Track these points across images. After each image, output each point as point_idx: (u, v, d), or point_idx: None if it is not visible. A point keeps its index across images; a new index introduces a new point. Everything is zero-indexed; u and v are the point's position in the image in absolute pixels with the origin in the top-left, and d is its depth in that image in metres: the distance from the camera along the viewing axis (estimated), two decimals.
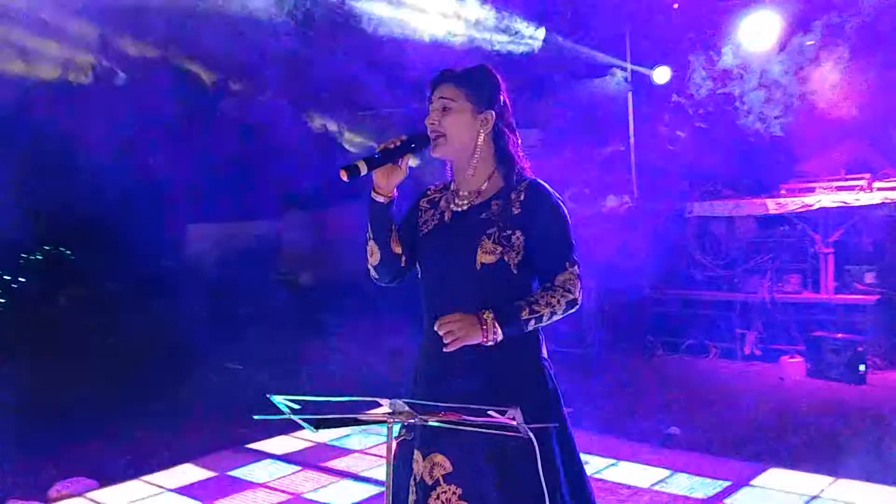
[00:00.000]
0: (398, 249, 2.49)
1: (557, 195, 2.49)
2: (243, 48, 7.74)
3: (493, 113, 2.49)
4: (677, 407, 6.40)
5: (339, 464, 5.49)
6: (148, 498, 5.05)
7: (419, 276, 2.56)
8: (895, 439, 5.43)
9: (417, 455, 2.37)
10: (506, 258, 2.38)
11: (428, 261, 2.51)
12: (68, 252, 11.01)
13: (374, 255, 2.49)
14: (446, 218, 2.53)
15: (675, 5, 7.36)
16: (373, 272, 2.55)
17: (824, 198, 7.32)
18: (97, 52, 7.42)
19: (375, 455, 5.61)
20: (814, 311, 7.55)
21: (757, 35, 7.51)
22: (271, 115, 9.16)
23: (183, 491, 5.13)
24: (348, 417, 1.91)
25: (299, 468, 5.44)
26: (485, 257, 2.38)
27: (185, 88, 8.37)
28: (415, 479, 2.37)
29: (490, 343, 2.30)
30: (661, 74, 8.37)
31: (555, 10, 8.31)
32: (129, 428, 6.22)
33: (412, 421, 1.87)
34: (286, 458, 5.65)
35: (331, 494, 4.95)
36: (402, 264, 2.52)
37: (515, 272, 2.40)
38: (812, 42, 7.45)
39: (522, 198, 2.44)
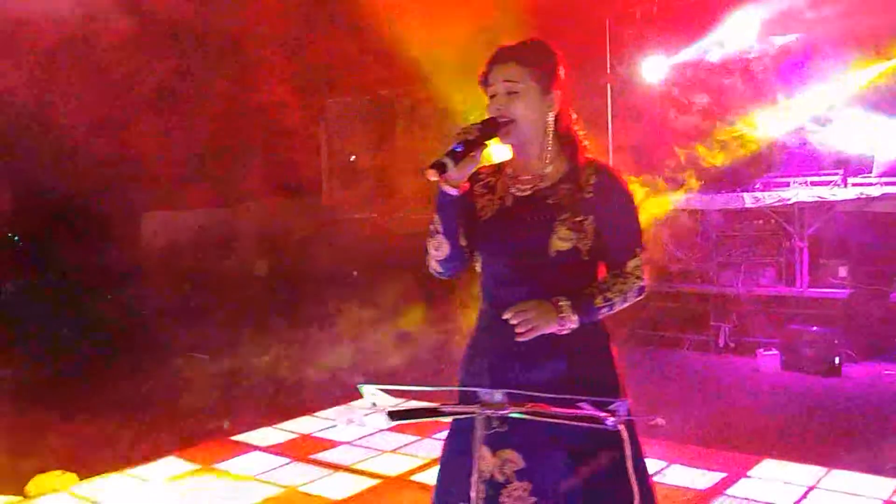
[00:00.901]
0: (464, 242, 2.40)
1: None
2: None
3: (559, 93, 2.40)
4: (656, 399, 6.42)
5: (329, 456, 5.38)
6: (133, 492, 4.89)
7: (479, 263, 2.46)
8: (876, 430, 5.55)
9: (484, 451, 2.26)
10: (579, 245, 2.32)
11: (492, 248, 2.41)
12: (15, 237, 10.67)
13: (441, 249, 2.38)
14: (508, 203, 2.43)
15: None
16: (436, 266, 2.45)
17: (800, 192, 7.41)
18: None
19: (365, 447, 5.53)
20: (788, 304, 7.65)
21: (739, 31, 7.56)
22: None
23: (169, 483, 4.98)
24: (429, 408, 1.82)
25: (288, 460, 5.33)
26: (559, 244, 2.30)
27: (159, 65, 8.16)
28: (481, 476, 2.24)
29: (565, 332, 2.23)
30: (646, 68, 8.39)
31: None
32: (105, 420, 6.04)
33: (503, 413, 1.79)
34: (273, 451, 5.53)
35: (325, 487, 4.85)
36: (468, 256, 2.43)
37: (586, 258, 2.34)
38: (795, 38, 7.55)
39: (593, 181, 2.36)
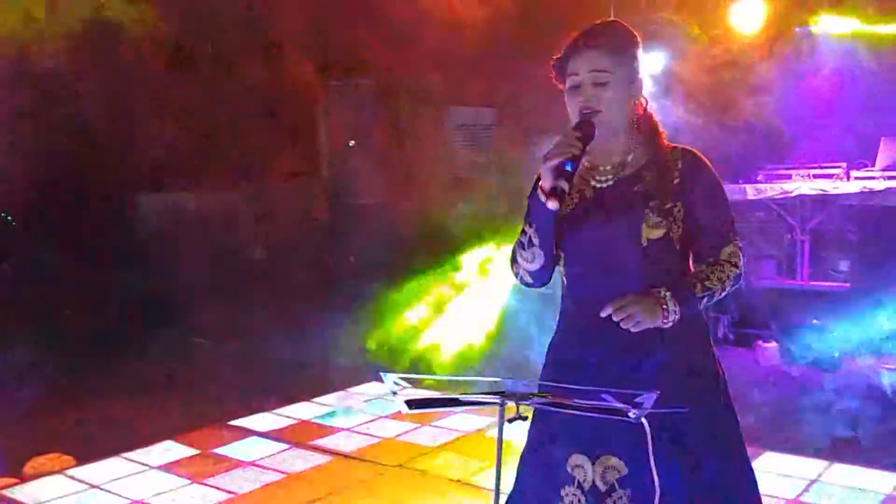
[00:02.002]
0: (556, 250, 2.27)
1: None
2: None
3: (642, 79, 2.29)
4: None
5: (328, 442, 5.35)
6: (131, 476, 4.86)
7: (561, 261, 2.33)
8: (876, 425, 5.54)
9: (580, 459, 2.20)
10: (671, 233, 2.20)
11: (577, 243, 2.28)
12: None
13: (535, 261, 2.26)
14: (588, 195, 2.30)
15: None
16: (526, 277, 2.33)
17: (803, 185, 7.38)
18: None
19: (363, 434, 5.51)
20: (789, 297, 7.62)
21: (744, 21, 7.50)
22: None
23: (167, 468, 4.95)
24: (449, 398, 1.79)
25: (287, 446, 5.30)
26: (651, 232, 2.18)
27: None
28: (580, 486, 2.19)
29: (669, 325, 2.13)
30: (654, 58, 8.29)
31: None
32: (102, 403, 6.00)
33: (526, 403, 1.75)
34: (272, 436, 5.50)
35: (324, 474, 4.82)
36: (556, 261, 2.31)
37: (678, 247, 2.23)
38: (798, 28, 7.51)
39: (680, 167, 2.25)
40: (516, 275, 2.36)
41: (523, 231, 2.27)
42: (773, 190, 7.47)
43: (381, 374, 1.76)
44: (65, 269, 9.59)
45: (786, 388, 6.52)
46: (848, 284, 7.32)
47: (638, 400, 1.69)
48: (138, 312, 8.07)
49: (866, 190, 7.14)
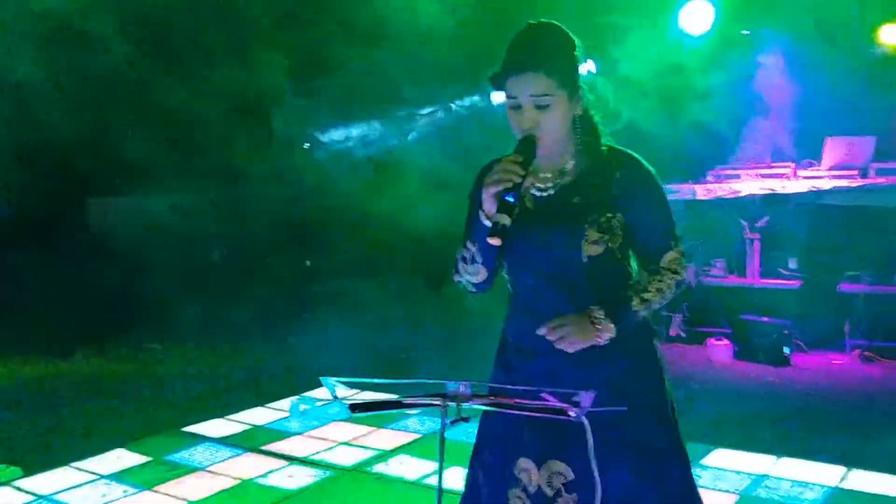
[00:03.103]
0: (499, 262, 2.26)
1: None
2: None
3: (584, 88, 2.22)
4: None
5: (282, 447, 5.31)
6: (81, 486, 4.77)
7: (505, 268, 2.32)
8: (824, 419, 5.65)
9: (526, 463, 2.20)
10: (610, 245, 2.17)
11: (519, 253, 2.24)
12: None
13: (479, 276, 2.26)
14: (528, 203, 2.25)
15: None
16: (469, 287, 2.31)
17: (752, 184, 7.50)
18: None
19: (318, 438, 5.47)
20: (739, 294, 7.74)
21: (692, 23, 7.60)
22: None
23: (118, 477, 4.88)
24: (392, 401, 1.79)
25: (241, 452, 5.25)
26: (591, 248, 2.16)
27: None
28: (525, 490, 2.19)
29: (604, 342, 2.12)
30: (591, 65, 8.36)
31: None
32: (50, 411, 5.91)
33: (468, 405, 1.76)
34: (226, 442, 5.45)
35: (279, 479, 4.79)
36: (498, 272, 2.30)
37: (619, 257, 2.21)
38: (746, 32, 7.64)
39: (619, 174, 2.20)
40: (459, 283, 2.34)
41: (466, 247, 2.24)
42: (722, 190, 7.59)
43: (322, 378, 1.75)
44: (27, 270, 9.45)
45: (737, 384, 6.61)
46: (798, 282, 7.44)
47: (576, 399, 1.70)
48: (96, 316, 7.96)
49: (814, 189, 7.28)
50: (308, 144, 10.91)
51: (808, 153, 7.73)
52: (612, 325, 2.11)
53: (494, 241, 2.02)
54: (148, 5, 7.59)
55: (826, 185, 7.25)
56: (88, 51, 7.79)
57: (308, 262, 10.68)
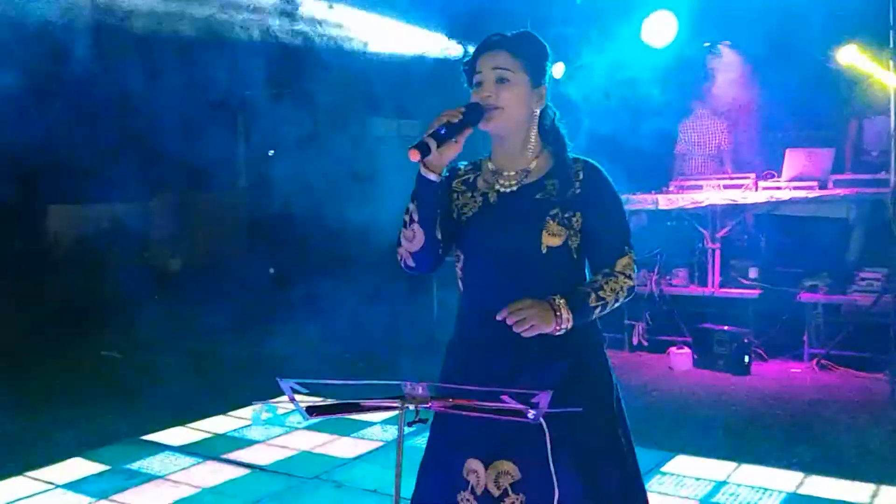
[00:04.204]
0: (440, 234, 2.27)
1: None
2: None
3: (546, 87, 2.35)
4: None
5: (242, 455, 5.26)
6: (36, 495, 4.69)
7: (460, 263, 2.37)
8: (783, 427, 5.72)
9: (474, 464, 2.20)
10: (569, 242, 2.25)
11: (477, 246, 2.31)
12: None
13: (415, 241, 2.25)
14: (491, 200, 2.34)
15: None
16: (408, 260, 2.31)
17: (713, 195, 7.57)
18: None
19: (279, 446, 5.43)
20: (700, 304, 7.81)
21: (655, 35, 7.68)
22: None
23: (74, 486, 4.80)
24: (350, 403, 1.78)
25: (200, 460, 5.20)
26: (550, 240, 2.23)
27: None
28: (472, 490, 2.20)
29: (561, 332, 2.16)
30: (557, 69, 8.42)
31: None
32: (5, 419, 5.80)
33: (426, 406, 1.76)
34: (185, 450, 5.38)
35: (238, 488, 4.74)
36: (441, 251, 2.31)
37: (575, 256, 2.29)
38: (707, 44, 7.73)
39: (581, 177, 2.30)
40: (399, 258, 2.35)
41: (406, 210, 2.27)
42: (684, 200, 7.65)
43: (278, 379, 1.74)
44: None
45: (698, 392, 6.67)
46: (757, 292, 7.53)
47: (533, 400, 1.71)
48: (48, 324, 7.86)
49: (773, 199, 7.38)
50: (272, 151, 10.86)
51: (769, 165, 7.83)
52: (571, 316, 2.16)
53: (413, 156, 2.07)
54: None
55: (785, 195, 7.34)
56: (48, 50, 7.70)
57: (272, 270, 10.61)
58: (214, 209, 11.37)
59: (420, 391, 1.73)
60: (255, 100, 10.59)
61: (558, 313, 2.14)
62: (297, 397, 1.79)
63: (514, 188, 2.34)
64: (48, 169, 9.42)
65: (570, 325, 2.16)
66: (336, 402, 1.82)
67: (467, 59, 2.37)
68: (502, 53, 2.28)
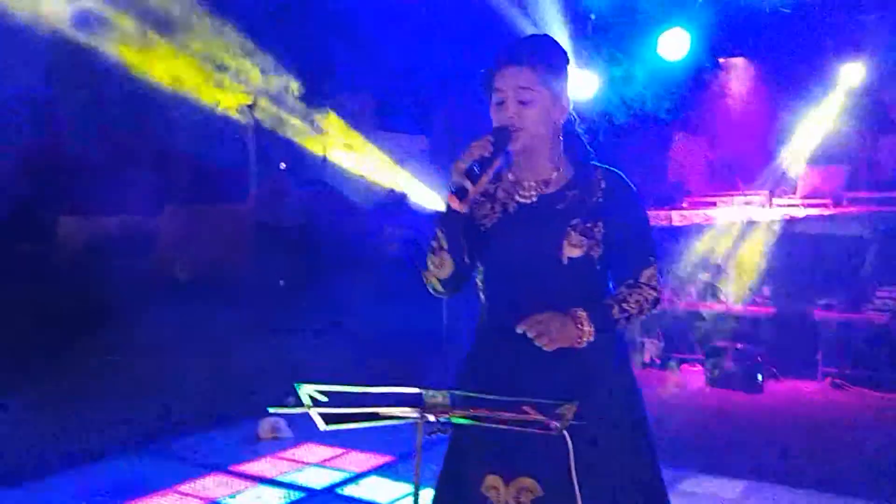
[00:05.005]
0: (467, 259, 2.22)
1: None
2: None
3: (569, 97, 2.27)
4: None
5: (251, 468, 5.21)
6: None
7: (480, 275, 2.30)
8: (798, 445, 5.64)
9: (494, 480, 2.14)
10: (591, 252, 2.18)
11: (498, 257, 2.25)
12: None
13: (444, 268, 2.20)
14: (511, 210, 2.27)
15: (592, 16, 7.45)
16: (437, 285, 2.26)
17: (727, 212, 7.54)
18: None
19: (288, 459, 5.38)
20: (713, 321, 7.75)
21: (669, 51, 7.65)
22: None
23: (83, 495, 4.76)
24: (368, 412, 1.74)
25: (208, 471, 5.15)
26: (572, 251, 2.16)
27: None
28: None
29: (582, 345, 2.10)
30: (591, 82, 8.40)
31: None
32: (9, 423, 5.75)
33: (444, 417, 1.71)
34: (193, 461, 5.33)
35: (248, 500, 4.69)
36: (468, 272, 2.27)
37: (598, 267, 2.21)
38: (722, 60, 7.72)
39: (603, 186, 2.24)
40: (426, 282, 2.31)
41: (434, 236, 2.22)
42: (698, 216, 7.61)
43: (296, 385, 1.70)
44: None
45: (710, 410, 6.60)
46: (771, 309, 7.47)
47: (559, 411, 1.66)
48: (51, 332, 7.82)
49: (787, 217, 7.33)
50: (284, 164, 10.86)
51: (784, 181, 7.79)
52: (593, 329, 2.10)
53: (452, 202, 2.05)
54: None
55: (800, 213, 7.30)
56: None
57: (282, 282, 10.57)
58: (225, 219, 11.36)
59: (440, 400, 1.68)
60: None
61: (580, 326, 2.08)
62: (315, 404, 1.74)
63: (535, 199, 2.27)
64: (59, 179, 9.43)
65: (591, 339, 2.10)
66: (353, 410, 1.77)
67: (484, 71, 2.27)
68: (523, 70, 2.18)
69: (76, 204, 10.32)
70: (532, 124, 2.19)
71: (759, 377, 7.02)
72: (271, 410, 1.86)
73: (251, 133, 10.79)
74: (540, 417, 1.70)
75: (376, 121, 10.54)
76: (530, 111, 2.18)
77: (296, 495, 4.75)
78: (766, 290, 7.62)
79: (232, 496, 4.75)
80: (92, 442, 5.61)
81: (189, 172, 10.32)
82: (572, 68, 2.32)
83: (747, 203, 7.59)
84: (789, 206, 7.43)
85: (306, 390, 1.69)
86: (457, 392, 1.75)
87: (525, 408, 1.74)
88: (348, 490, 4.83)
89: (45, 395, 6.39)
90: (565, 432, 1.77)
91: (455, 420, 1.80)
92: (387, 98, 10.17)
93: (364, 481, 4.96)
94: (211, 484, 4.95)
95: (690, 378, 7.33)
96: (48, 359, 7.45)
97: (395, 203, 9.89)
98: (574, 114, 2.34)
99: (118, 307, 8.55)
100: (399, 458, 5.33)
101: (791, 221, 7.38)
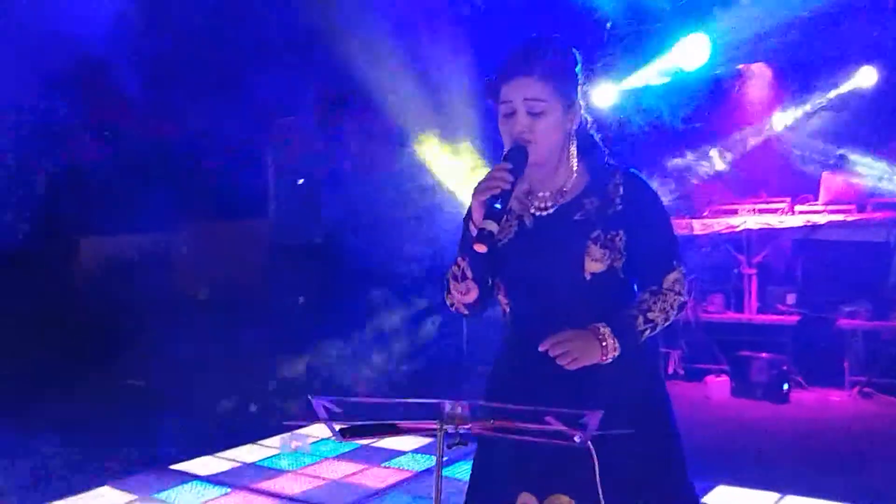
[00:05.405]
0: (491, 281, 2.16)
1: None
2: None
3: (582, 103, 2.16)
4: None
5: (271, 486, 5.16)
6: None
7: (501, 291, 2.23)
8: (824, 456, 5.53)
9: (527, 497, 2.07)
10: (615, 264, 2.09)
11: (517, 275, 2.17)
12: None
13: (470, 294, 2.11)
14: (528, 223, 2.18)
15: (609, 24, 7.40)
16: (462, 309, 2.21)
17: (749, 219, 7.45)
18: None
19: (309, 476, 5.33)
20: (737, 330, 7.65)
21: (689, 57, 7.58)
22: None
23: None
24: (387, 424, 1.69)
25: (229, 490, 5.10)
26: (594, 266, 2.08)
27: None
28: None
29: (608, 361, 2.02)
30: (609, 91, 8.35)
31: None
32: (32, 447, 5.74)
33: (465, 429, 1.66)
34: (213, 480, 5.30)
35: None
36: (492, 292, 2.20)
37: (622, 276, 2.12)
38: (742, 67, 7.64)
39: (622, 192, 2.13)
40: (451, 305, 2.24)
41: (456, 263, 2.15)
42: (719, 225, 7.53)
43: (311, 397, 1.65)
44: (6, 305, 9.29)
45: (736, 421, 6.50)
46: (796, 318, 7.36)
47: (582, 421, 1.60)
48: (76, 353, 7.84)
49: (809, 224, 7.23)
50: (302, 180, 10.87)
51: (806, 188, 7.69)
52: (618, 344, 2.02)
53: (480, 249, 1.94)
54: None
55: (822, 219, 7.20)
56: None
57: (301, 300, 10.55)
58: (244, 236, 11.36)
59: (460, 411, 1.63)
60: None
61: (604, 343, 2.01)
62: (332, 417, 1.70)
63: (551, 210, 2.18)
64: (80, 200, 9.47)
65: (616, 353, 2.03)
66: (371, 423, 1.72)
67: (490, 79, 2.18)
68: (532, 82, 2.08)
69: (97, 224, 10.36)
70: (545, 136, 2.10)
71: (785, 387, 6.92)
72: (287, 424, 1.79)
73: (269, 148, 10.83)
74: (563, 428, 1.64)
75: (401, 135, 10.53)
76: (542, 123, 2.09)
77: None
78: (791, 298, 7.51)
79: None
80: (115, 460, 5.59)
81: (208, 189, 10.33)
82: (583, 70, 2.20)
83: (769, 210, 7.49)
84: (812, 212, 7.32)
85: (321, 402, 1.64)
86: (476, 402, 1.68)
87: (548, 419, 1.68)
88: None
89: (67, 415, 6.38)
90: (589, 443, 1.70)
91: (476, 432, 1.74)
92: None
93: (386, 498, 4.90)
94: (232, 502, 4.91)
95: (715, 388, 7.21)
96: (71, 378, 7.45)
97: (418, 218, 9.87)
98: (587, 116, 2.24)
99: (140, 326, 8.58)
100: (419, 474, 5.27)
101: (814, 228, 7.28)
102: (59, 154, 8.62)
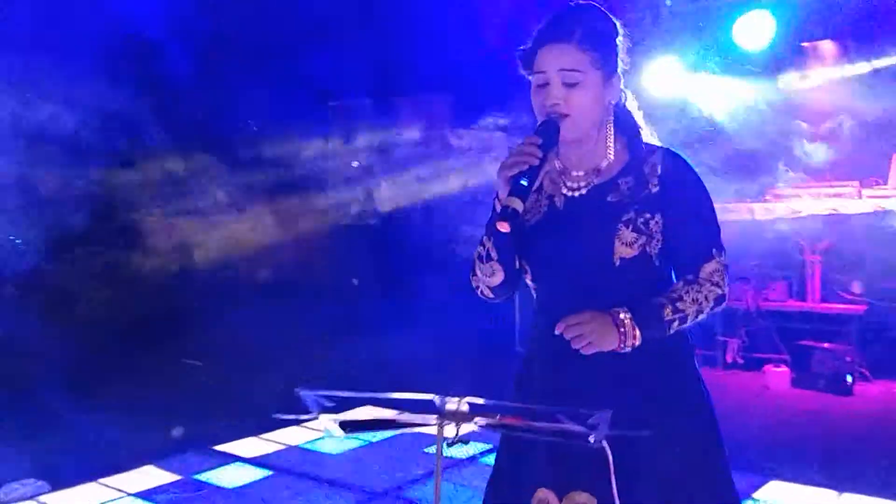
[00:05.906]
0: (517, 264, 2.05)
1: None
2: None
3: (621, 76, 2.02)
4: None
5: (314, 469, 5.14)
6: (107, 503, 4.66)
7: (528, 275, 2.11)
8: (888, 453, 5.29)
9: (546, 493, 1.97)
10: (647, 249, 1.96)
11: (545, 258, 2.05)
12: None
13: (495, 276, 2.05)
14: (558, 204, 2.06)
15: (668, 2, 7.16)
16: (487, 292, 2.11)
17: (813, 204, 7.16)
18: None
19: (352, 460, 5.29)
20: (799, 319, 7.37)
21: (751, 36, 7.29)
22: None
23: (145, 495, 4.76)
24: (386, 420, 1.59)
25: (271, 472, 5.09)
26: (624, 250, 1.94)
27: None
28: None
29: (626, 350, 1.89)
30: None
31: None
32: (81, 426, 5.80)
33: (467, 424, 1.55)
34: (257, 462, 5.29)
35: (312, 501, 4.61)
36: (520, 275, 2.09)
37: (657, 263, 1.98)
38: (806, 44, 7.34)
39: (659, 172, 1.99)
40: (476, 288, 2.14)
41: (482, 243, 2.04)
42: (782, 209, 7.25)
43: (298, 391, 1.56)
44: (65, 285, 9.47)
45: (795, 413, 6.27)
46: (861, 307, 7.06)
47: (591, 421, 1.48)
48: (132, 332, 7.95)
49: (879, 209, 6.91)
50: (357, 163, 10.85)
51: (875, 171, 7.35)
52: (638, 332, 1.89)
53: (503, 228, 1.82)
54: None
55: (892, 205, 6.87)
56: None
57: (355, 281, 10.55)
58: (301, 218, 11.40)
59: (460, 407, 1.52)
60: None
61: (622, 329, 1.88)
62: (329, 411, 1.61)
63: (584, 191, 2.05)
64: (142, 182, 9.61)
65: (637, 343, 1.90)
66: (369, 418, 1.63)
67: (524, 48, 2.03)
68: (569, 49, 1.93)
69: (159, 206, 10.50)
70: (581, 110, 1.96)
71: (849, 378, 6.65)
72: (280, 417, 1.70)
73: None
74: (575, 428, 1.52)
75: (455, 117, 10.44)
76: (578, 95, 1.95)
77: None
78: (856, 287, 7.20)
79: (295, 496, 4.67)
80: (161, 440, 5.64)
81: (271, 171, 10.40)
82: (624, 40, 2.05)
83: (836, 195, 7.18)
84: (881, 196, 7.00)
85: (311, 395, 1.55)
86: (476, 399, 1.58)
87: (558, 417, 1.56)
88: (412, 492, 4.70)
89: (119, 394, 6.46)
90: (605, 444, 1.58)
91: (479, 428, 1.64)
92: (465, 95, 10.02)
93: (426, 484, 4.82)
94: (274, 485, 4.90)
95: (774, 379, 6.96)
96: (132, 358, 7.57)
97: (473, 202, 9.78)
98: (626, 90, 2.10)
99: (201, 307, 8.67)
100: (461, 461, 5.18)
101: (883, 214, 6.95)
102: (118, 136, 8.73)
